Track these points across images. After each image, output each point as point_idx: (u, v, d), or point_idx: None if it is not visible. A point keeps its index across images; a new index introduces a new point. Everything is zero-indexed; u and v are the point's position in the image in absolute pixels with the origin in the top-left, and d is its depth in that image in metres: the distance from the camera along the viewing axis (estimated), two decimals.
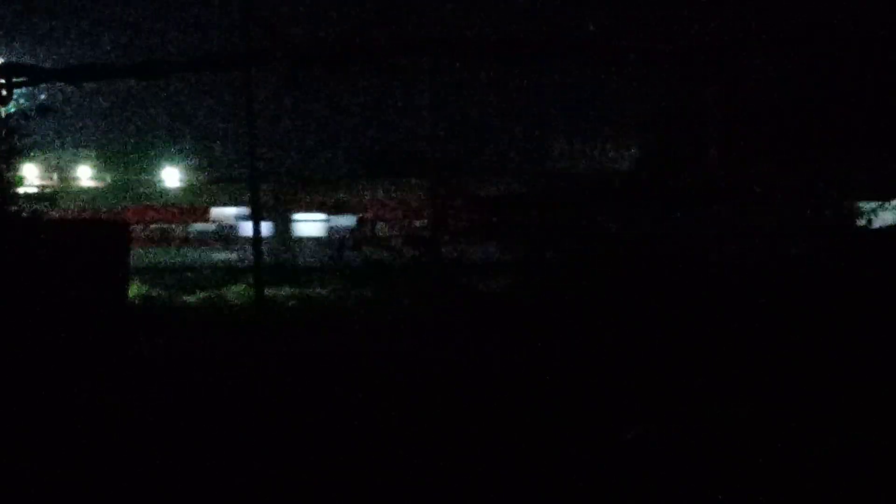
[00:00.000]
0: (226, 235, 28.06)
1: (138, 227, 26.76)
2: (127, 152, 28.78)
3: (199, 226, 28.57)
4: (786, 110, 20.58)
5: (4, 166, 17.24)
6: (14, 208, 16.91)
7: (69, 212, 26.90)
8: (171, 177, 30.16)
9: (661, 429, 7.21)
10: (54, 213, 23.74)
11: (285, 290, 20.29)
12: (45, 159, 30.37)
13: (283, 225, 26.90)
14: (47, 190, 30.69)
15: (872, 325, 10.86)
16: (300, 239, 26.84)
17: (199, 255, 27.38)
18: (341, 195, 26.17)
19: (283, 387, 9.13)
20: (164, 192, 29.39)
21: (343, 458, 6.86)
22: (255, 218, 18.84)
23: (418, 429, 7.52)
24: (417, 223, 22.64)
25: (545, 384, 8.86)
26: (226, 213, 28.07)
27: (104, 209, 28.13)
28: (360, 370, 9.89)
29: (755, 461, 6.50)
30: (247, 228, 21.60)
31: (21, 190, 22.26)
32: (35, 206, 17.97)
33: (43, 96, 18.17)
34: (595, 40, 18.83)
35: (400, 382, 9.08)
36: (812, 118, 20.45)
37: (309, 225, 26.90)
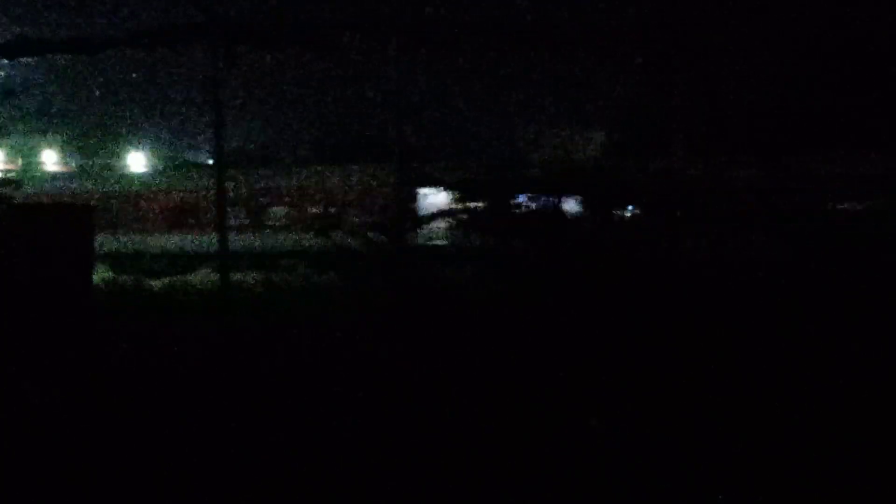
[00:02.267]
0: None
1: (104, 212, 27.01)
2: (93, 136, 29.05)
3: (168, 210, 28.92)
4: (755, 105, 21.17)
5: None
6: None
7: (34, 196, 27.18)
8: (137, 161, 30.47)
9: (626, 419, 7.30)
10: (18, 198, 23.96)
11: (252, 276, 20.54)
12: (9, 143, 30.51)
13: (257, 210, 27.25)
14: (11, 174, 30.83)
15: (836, 323, 11.18)
16: (274, 224, 27.21)
17: (167, 241, 27.76)
18: (311, 180, 26.52)
19: (242, 380, 9.25)
20: (130, 177, 29.75)
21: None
22: (220, 202, 18.84)
23: (377, 420, 7.65)
24: (382, 209, 23.02)
25: (507, 376, 8.98)
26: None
27: (70, 194, 28.40)
28: (317, 362, 10.09)
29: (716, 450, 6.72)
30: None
31: None
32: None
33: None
34: (554, 25, 19.18)
35: (358, 377, 9.15)
36: (782, 114, 21.02)
37: (282, 210, 27.23)
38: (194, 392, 8.86)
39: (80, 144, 30.10)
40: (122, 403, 8.40)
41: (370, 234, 19.53)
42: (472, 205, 20.07)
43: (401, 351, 10.65)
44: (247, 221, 27.64)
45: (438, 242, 20.29)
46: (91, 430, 7.58)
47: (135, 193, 28.68)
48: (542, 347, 10.42)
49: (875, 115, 20.55)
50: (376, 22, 18.10)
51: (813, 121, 20.35)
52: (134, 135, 29.43)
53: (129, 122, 29.35)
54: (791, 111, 20.72)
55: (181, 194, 28.48)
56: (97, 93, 28.30)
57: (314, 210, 26.55)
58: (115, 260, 22.99)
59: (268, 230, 26.96)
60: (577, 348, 10.43)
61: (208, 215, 27.25)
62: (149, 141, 29.63)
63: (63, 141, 31.47)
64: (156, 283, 20.24)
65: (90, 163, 29.45)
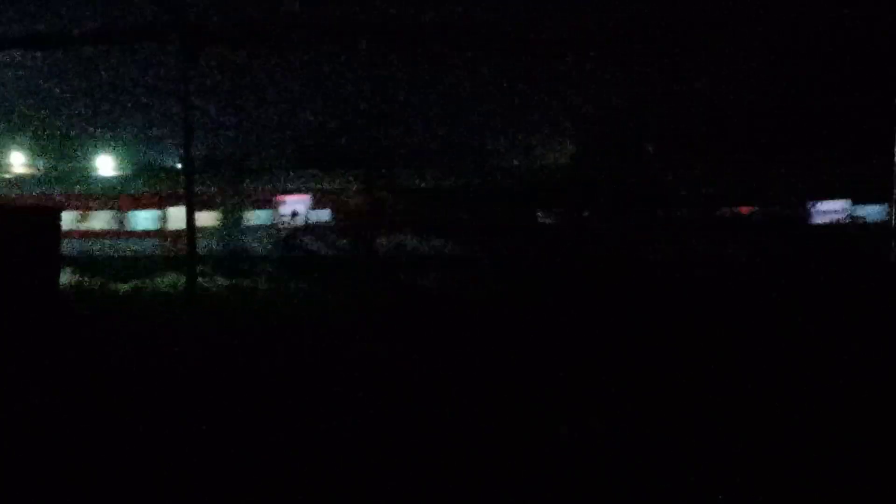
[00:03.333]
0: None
1: (72, 216, 27.03)
2: (61, 139, 29.09)
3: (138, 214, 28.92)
4: (729, 109, 21.47)
5: None
6: None
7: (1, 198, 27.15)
8: (106, 165, 30.49)
9: (600, 423, 7.40)
10: None
11: (220, 281, 20.80)
12: None
13: (230, 214, 27.29)
14: None
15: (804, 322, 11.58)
16: (246, 229, 27.27)
17: (134, 245, 27.80)
18: (284, 186, 26.62)
19: (203, 382, 9.41)
20: (98, 181, 29.70)
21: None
22: (189, 207, 19.34)
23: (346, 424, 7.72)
24: (352, 215, 23.16)
25: (478, 380, 9.07)
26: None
27: (36, 196, 28.38)
28: (276, 368, 10.13)
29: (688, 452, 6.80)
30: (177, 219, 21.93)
31: None
32: None
33: None
34: (525, 32, 19.44)
35: (326, 382, 9.26)
36: (754, 118, 21.34)
37: (256, 214, 27.28)
38: (161, 389, 9.02)
39: (48, 147, 30.11)
40: (90, 400, 8.55)
41: (341, 241, 19.84)
42: (438, 211, 20.46)
43: (367, 352, 10.82)
44: (218, 226, 27.76)
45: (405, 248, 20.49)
46: (59, 429, 7.68)
47: (102, 197, 28.69)
48: (517, 347, 10.65)
49: (854, 118, 20.92)
50: (345, 23, 18.29)
51: (790, 124, 20.69)
52: (103, 138, 29.49)
53: (98, 124, 29.42)
54: (770, 114, 21.04)
55: (150, 198, 28.54)
56: (65, 94, 28.29)
57: (283, 216, 26.69)
58: (82, 263, 22.92)
59: (236, 235, 27.04)
60: (550, 345, 10.69)
61: (169, 219, 27.34)
62: (119, 144, 29.68)
63: (29, 143, 31.50)
64: (123, 287, 20.37)
65: (58, 166, 29.42)
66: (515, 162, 22.39)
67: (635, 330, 11.31)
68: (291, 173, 26.16)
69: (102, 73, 28.63)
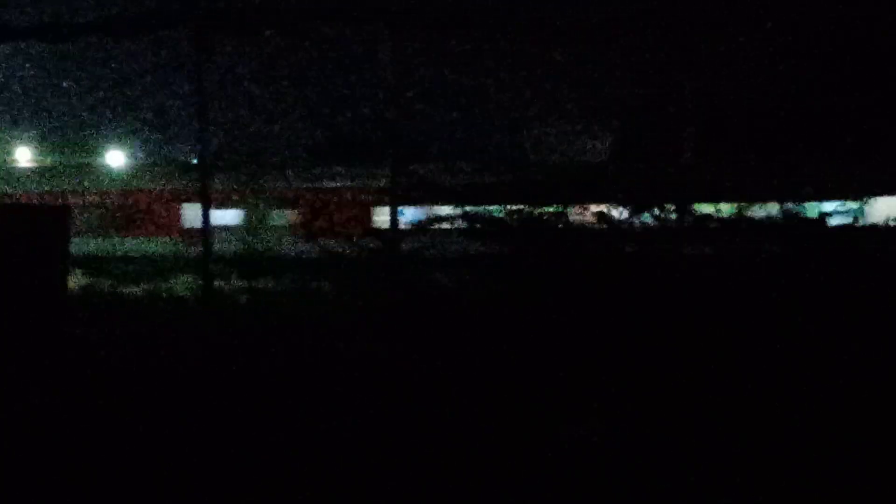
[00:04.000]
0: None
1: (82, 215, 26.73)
2: (70, 132, 28.80)
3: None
4: (767, 102, 20.92)
5: None
6: None
7: (5, 196, 26.83)
8: (117, 160, 30.17)
9: (605, 428, 7.54)
10: None
11: (240, 283, 20.38)
12: None
13: (255, 213, 26.98)
14: None
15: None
16: (273, 228, 26.94)
17: (148, 245, 27.45)
18: (301, 182, 26.26)
19: (221, 386, 9.32)
20: (109, 177, 29.40)
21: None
22: (205, 205, 19.11)
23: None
24: (377, 214, 22.80)
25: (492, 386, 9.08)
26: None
27: (44, 193, 28.07)
28: (305, 368, 10.16)
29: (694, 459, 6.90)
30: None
31: None
32: None
33: None
34: (560, 17, 19.01)
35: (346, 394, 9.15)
36: (794, 113, 20.82)
37: (281, 214, 26.97)
38: (173, 397, 8.95)
39: (56, 140, 29.82)
40: (96, 408, 8.50)
41: (364, 241, 19.44)
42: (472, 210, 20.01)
43: (393, 359, 10.75)
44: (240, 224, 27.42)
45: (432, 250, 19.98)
46: (63, 436, 7.68)
47: (113, 193, 28.35)
48: (542, 353, 10.52)
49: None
50: (366, 8, 17.90)
51: (832, 120, 20.11)
52: (114, 131, 29.11)
53: (108, 116, 29.04)
54: (809, 109, 20.49)
55: (163, 194, 28.20)
56: (74, 86, 27.94)
57: (305, 214, 26.27)
58: (92, 264, 22.54)
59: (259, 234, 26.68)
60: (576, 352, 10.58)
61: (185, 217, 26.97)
62: (130, 138, 29.32)
63: (38, 137, 31.32)
64: (135, 289, 20.20)
65: (67, 160, 29.08)
66: (549, 156, 21.81)
67: (681, 335, 11.07)
68: (313, 170, 25.78)
69: (112, 63, 28.19)
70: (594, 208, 19.69)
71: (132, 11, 20.24)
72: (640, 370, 9.21)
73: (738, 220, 18.83)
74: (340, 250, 18.80)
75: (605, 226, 19.16)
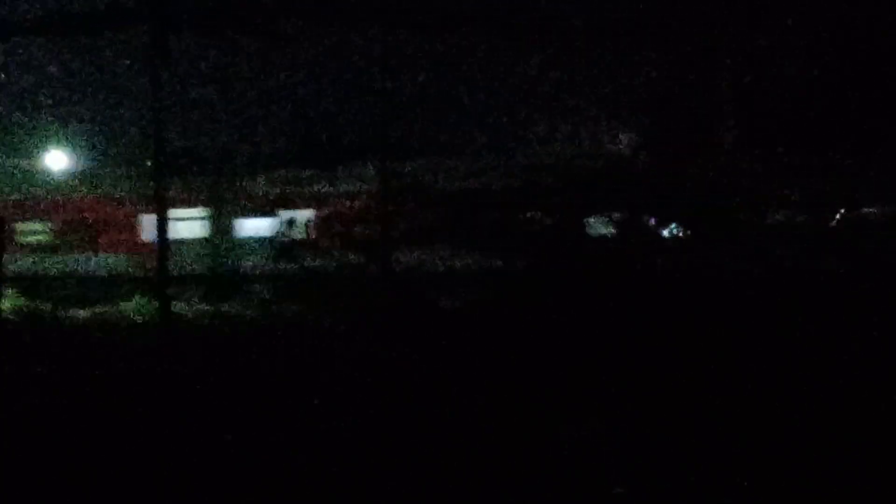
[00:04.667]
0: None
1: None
2: (3, 130, 28.26)
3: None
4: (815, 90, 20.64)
5: None
6: None
7: None
8: (58, 162, 29.61)
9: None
10: None
11: (201, 306, 20.37)
12: None
13: (221, 224, 26.57)
14: None
15: None
16: (240, 241, 26.54)
17: (95, 262, 26.93)
18: (275, 191, 25.84)
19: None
20: (50, 183, 28.87)
21: None
22: (160, 215, 19.19)
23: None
24: (361, 224, 22.32)
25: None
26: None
27: None
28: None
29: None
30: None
31: None
32: None
33: None
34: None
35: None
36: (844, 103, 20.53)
37: (253, 224, 26.61)
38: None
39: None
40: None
41: (348, 256, 19.15)
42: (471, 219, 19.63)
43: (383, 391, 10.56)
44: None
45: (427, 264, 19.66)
46: None
47: (53, 201, 27.83)
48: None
49: None
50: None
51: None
52: (57, 130, 28.56)
53: (50, 115, 28.52)
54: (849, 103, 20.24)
55: (112, 203, 27.68)
56: (11, 82, 27.60)
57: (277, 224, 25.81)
58: (29, 283, 22.28)
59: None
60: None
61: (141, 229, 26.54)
62: (77, 138, 28.74)
63: None
64: (81, 313, 20.01)
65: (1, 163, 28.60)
66: (561, 157, 21.37)
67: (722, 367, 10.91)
68: (284, 173, 25.31)
69: (61, 59, 27.81)
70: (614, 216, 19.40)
71: (83, 9, 20.68)
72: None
73: (787, 227, 18.49)
74: None
75: (628, 237, 18.88)
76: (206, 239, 26.36)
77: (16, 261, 23.21)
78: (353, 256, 19.09)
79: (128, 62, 22.67)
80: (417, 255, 19.38)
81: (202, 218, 26.79)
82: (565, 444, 8.16)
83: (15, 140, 27.97)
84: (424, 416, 9.49)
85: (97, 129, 28.26)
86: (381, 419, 9.25)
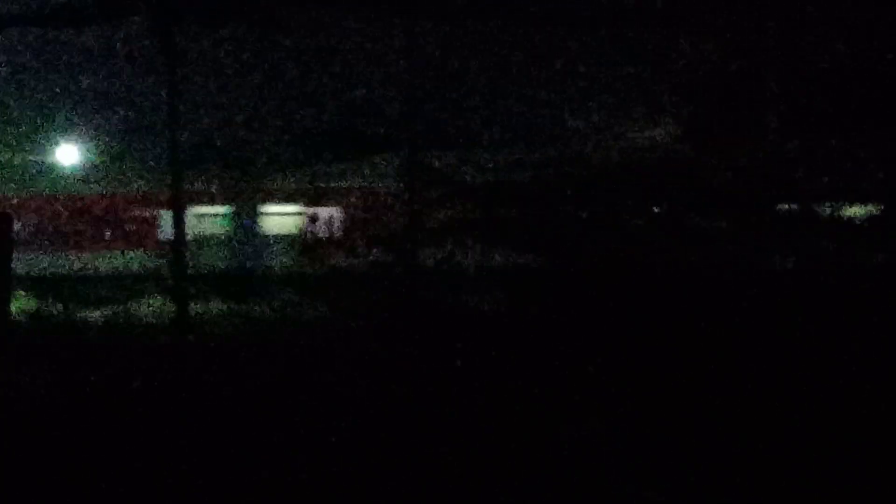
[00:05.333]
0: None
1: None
2: (12, 124, 28.18)
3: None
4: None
5: None
6: None
7: None
8: (69, 156, 29.56)
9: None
10: None
11: (221, 306, 20.08)
12: None
13: (246, 221, 26.53)
14: None
15: None
16: (265, 239, 26.48)
17: (109, 260, 26.78)
18: (292, 182, 25.72)
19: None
20: (60, 178, 28.81)
21: None
22: (177, 212, 19.05)
23: None
24: (387, 220, 22.17)
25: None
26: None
27: None
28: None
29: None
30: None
31: None
32: None
33: None
34: None
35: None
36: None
37: (279, 221, 26.55)
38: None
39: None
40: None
41: (373, 253, 18.99)
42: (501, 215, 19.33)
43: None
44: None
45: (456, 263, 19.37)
46: None
47: (64, 198, 27.71)
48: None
49: None
50: None
51: None
52: (66, 124, 28.47)
53: (61, 107, 28.43)
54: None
55: (125, 200, 27.62)
56: (17, 75, 27.49)
57: (299, 221, 25.69)
58: (40, 284, 22.01)
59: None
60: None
61: (158, 227, 26.37)
62: (87, 132, 28.67)
63: None
64: (93, 314, 19.68)
65: (10, 158, 28.54)
66: (595, 148, 21.05)
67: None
68: (306, 168, 25.21)
69: (70, 50, 27.67)
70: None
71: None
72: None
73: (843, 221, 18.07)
74: None
75: (666, 230, 18.51)
76: (226, 236, 26.29)
77: (27, 260, 23.12)
78: (378, 253, 18.91)
79: (138, 54, 22.64)
80: (444, 252, 19.04)
81: (219, 215, 26.71)
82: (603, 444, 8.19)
83: (24, 135, 27.90)
84: (450, 415, 9.38)
85: (108, 123, 28.22)
86: (401, 418, 9.22)
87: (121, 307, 20.59)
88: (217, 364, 13.60)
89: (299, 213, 25.54)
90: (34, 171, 28.01)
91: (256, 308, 19.63)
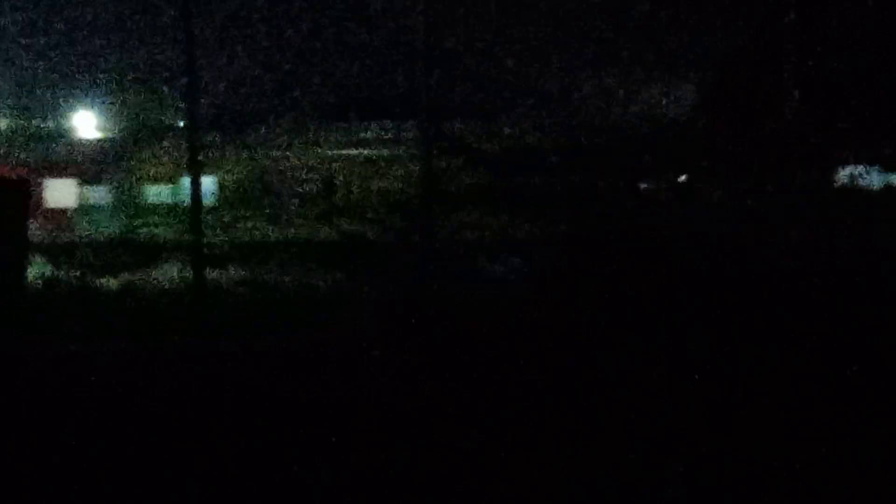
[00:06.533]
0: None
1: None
2: (27, 90, 28.03)
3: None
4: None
5: None
6: None
7: None
8: (87, 124, 29.49)
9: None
10: None
11: (236, 274, 20.08)
12: None
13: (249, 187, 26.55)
14: None
15: None
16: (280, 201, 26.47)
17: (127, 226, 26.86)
18: (308, 147, 25.59)
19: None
20: (78, 145, 28.75)
21: None
22: (195, 175, 18.71)
23: None
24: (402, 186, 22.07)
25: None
26: None
27: None
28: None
29: None
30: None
31: None
32: None
33: None
34: None
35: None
36: None
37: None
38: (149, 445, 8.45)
39: (10, 100, 29.16)
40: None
41: (388, 221, 19.06)
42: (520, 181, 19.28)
43: (433, 378, 10.22)
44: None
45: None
46: None
47: (79, 165, 27.66)
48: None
49: None
50: None
51: None
52: (82, 90, 28.31)
53: (77, 72, 28.29)
54: None
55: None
56: (32, 36, 27.33)
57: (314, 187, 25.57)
58: (57, 251, 21.75)
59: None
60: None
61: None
62: (102, 97, 28.54)
63: None
64: (107, 282, 20.00)
65: (25, 124, 28.45)
66: (612, 117, 20.89)
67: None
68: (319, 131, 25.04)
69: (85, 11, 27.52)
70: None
71: None
72: None
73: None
74: None
75: (683, 202, 18.51)
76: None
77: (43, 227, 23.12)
78: (393, 221, 18.97)
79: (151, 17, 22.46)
80: (461, 220, 19.03)
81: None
82: None
83: (39, 100, 27.84)
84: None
85: (125, 87, 28.10)
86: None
87: (137, 272, 20.69)
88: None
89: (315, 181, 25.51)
90: (50, 137, 28.03)
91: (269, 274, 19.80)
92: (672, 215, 18.46)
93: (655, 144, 19.16)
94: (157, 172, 27.06)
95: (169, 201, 25.02)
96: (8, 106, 27.41)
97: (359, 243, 19.10)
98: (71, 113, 28.19)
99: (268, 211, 25.56)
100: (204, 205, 21.94)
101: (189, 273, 18.55)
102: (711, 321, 12.10)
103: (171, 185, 25.72)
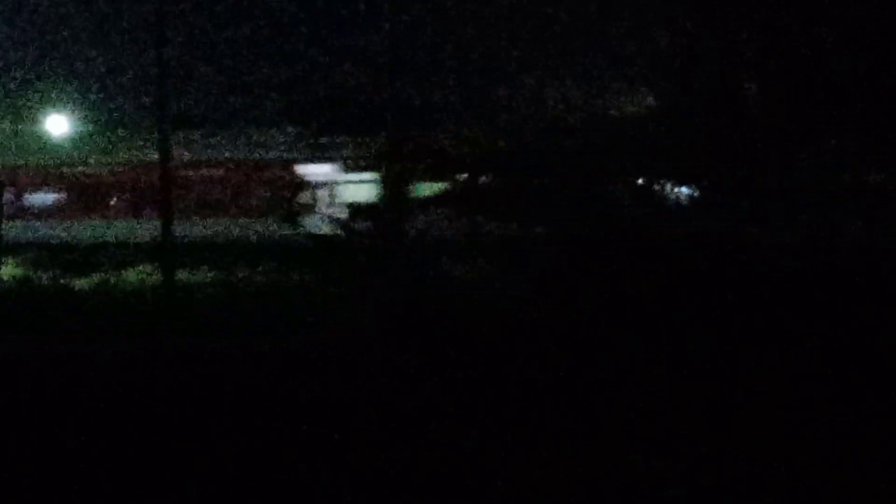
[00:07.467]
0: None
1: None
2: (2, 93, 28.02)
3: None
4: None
5: None
6: None
7: None
8: (59, 126, 29.40)
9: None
10: None
11: (206, 274, 20.22)
12: None
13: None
14: None
15: None
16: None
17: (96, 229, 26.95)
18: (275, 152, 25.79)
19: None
20: (50, 148, 28.76)
21: None
22: (164, 177, 18.62)
23: None
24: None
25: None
26: None
27: None
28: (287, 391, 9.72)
29: None
30: None
31: None
32: None
33: None
34: None
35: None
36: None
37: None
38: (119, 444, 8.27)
39: None
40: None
41: (354, 222, 18.92)
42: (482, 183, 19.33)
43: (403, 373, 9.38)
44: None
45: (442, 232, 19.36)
46: None
47: (55, 168, 27.79)
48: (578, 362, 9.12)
49: None
50: None
51: None
52: (56, 91, 28.36)
53: (50, 75, 28.41)
54: None
55: (116, 169, 27.71)
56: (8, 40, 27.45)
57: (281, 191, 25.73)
58: (29, 251, 22.33)
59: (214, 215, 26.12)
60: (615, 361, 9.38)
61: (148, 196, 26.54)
62: (75, 99, 28.55)
63: None
64: (81, 282, 19.90)
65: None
66: (574, 119, 20.93)
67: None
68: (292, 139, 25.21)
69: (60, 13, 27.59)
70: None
71: None
72: None
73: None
74: None
75: (647, 205, 18.50)
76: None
77: (17, 227, 23.25)
78: (361, 225, 18.93)
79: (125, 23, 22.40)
80: (428, 224, 19.14)
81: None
82: None
83: (14, 103, 27.80)
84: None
85: (98, 90, 28.10)
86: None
87: (109, 274, 20.69)
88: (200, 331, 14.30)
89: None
90: (25, 140, 28.01)
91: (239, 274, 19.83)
92: (630, 214, 18.45)
93: (614, 147, 19.21)
94: None
95: None
96: None
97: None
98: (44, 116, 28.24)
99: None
100: None
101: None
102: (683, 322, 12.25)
103: None
